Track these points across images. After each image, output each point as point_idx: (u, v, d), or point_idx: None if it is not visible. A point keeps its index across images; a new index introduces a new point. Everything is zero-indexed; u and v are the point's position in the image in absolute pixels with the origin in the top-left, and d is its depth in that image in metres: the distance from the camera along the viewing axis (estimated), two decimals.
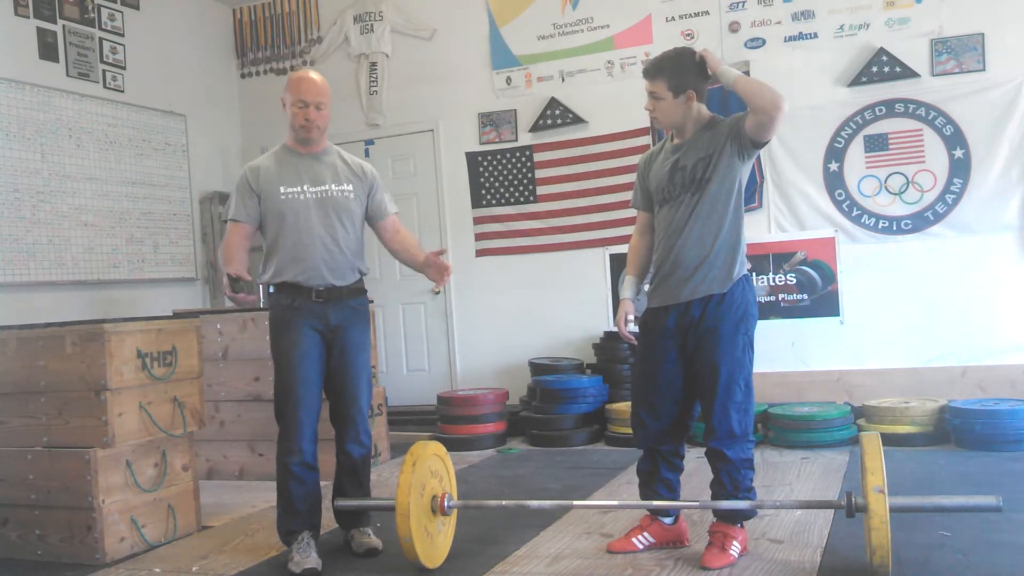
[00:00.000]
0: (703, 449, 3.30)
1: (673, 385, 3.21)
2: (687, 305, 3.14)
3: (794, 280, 5.93)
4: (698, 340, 3.13)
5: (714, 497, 3.19)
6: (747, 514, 3.22)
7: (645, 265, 3.37)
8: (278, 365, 3.43)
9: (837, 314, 5.85)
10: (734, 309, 3.11)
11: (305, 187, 3.42)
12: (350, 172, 3.53)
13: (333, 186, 3.45)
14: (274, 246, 3.42)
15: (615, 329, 6.21)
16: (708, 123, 3.21)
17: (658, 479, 3.30)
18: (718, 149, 3.12)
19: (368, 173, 3.58)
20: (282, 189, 3.40)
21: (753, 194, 5.98)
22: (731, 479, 3.12)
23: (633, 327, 3.30)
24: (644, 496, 3.37)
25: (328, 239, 3.40)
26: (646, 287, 3.37)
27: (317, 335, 3.39)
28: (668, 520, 3.33)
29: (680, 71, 3.17)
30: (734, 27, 6.07)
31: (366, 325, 3.54)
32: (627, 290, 3.34)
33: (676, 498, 3.33)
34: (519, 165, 6.65)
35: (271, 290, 3.47)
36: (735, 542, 3.15)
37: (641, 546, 3.31)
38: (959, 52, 5.60)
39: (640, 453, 3.37)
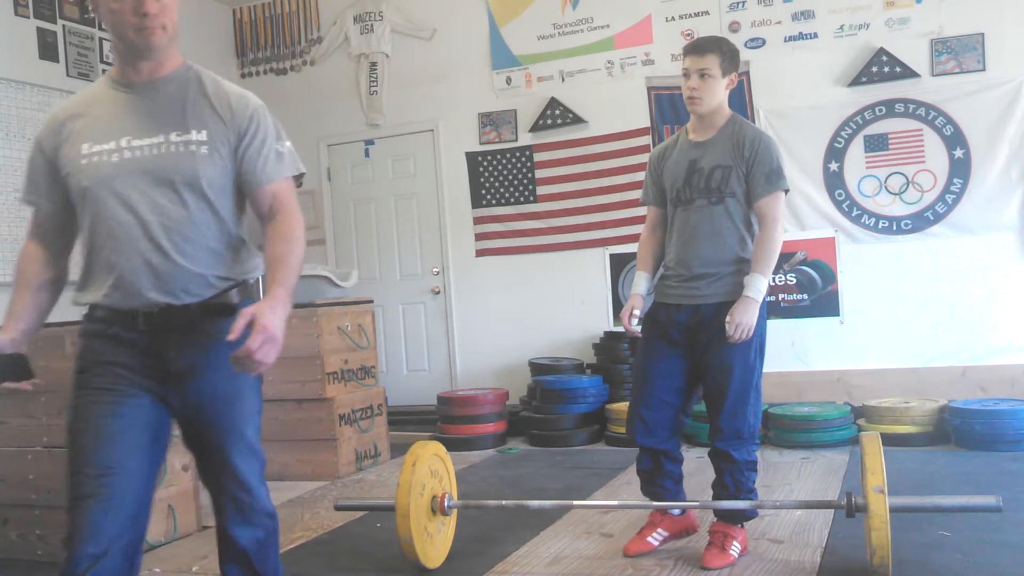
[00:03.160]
0: (704, 449, 3.30)
1: (675, 378, 3.18)
2: (699, 307, 3.12)
3: (794, 280, 5.93)
4: (710, 340, 3.09)
5: (715, 497, 3.18)
6: (748, 514, 3.22)
7: (657, 261, 3.32)
8: (69, 433, 2.08)
9: (837, 314, 5.85)
10: None
11: (123, 141, 2.05)
12: (209, 109, 2.11)
13: (174, 136, 2.06)
14: (84, 244, 2.13)
15: (616, 329, 6.27)
16: (730, 121, 3.16)
17: (662, 473, 3.26)
18: (736, 165, 3.09)
19: (240, 110, 2.13)
20: (85, 149, 2.06)
21: None
22: (735, 480, 3.11)
23: (637, 324, 3.24)
24: (647, 493, 3.33)
25: (156, 228, 2.03)
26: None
27: (143, 392, 2.07)
28: (677, 512, 3.33)
29: (731, 51, 3.14)
30: (734, 27, 6.07)
31: None
32: (638, 285, 3.28)
33: (682, 488, 3.31)
34: (519, 165, 6.65)
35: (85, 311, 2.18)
36: (735, 542, 3.15)
37: (656, 543, 3.30)
38: (959, 52, 5.60)
39: (636, 453, 3.32)
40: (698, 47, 3.11)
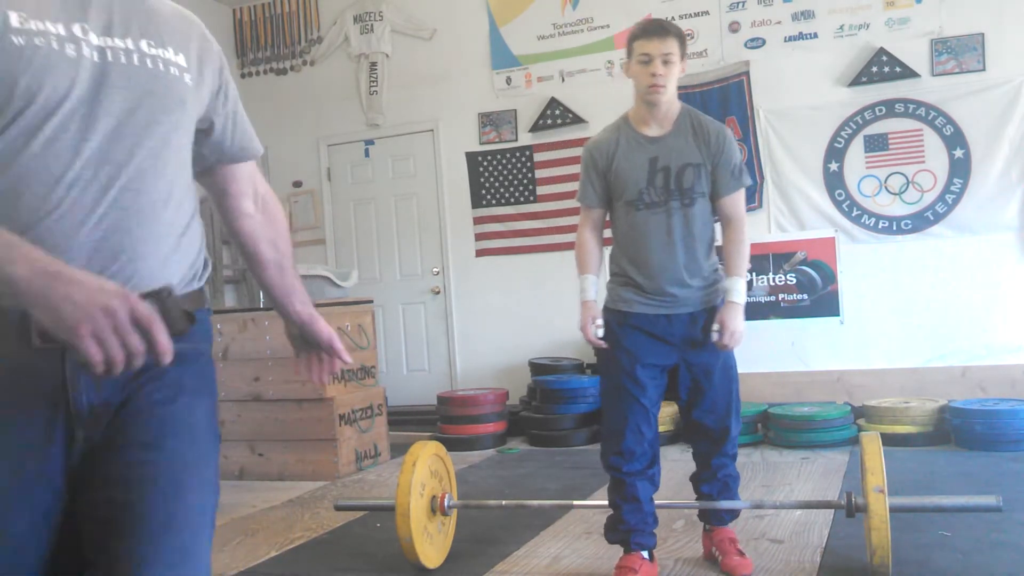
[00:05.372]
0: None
1: (661, 393, 2.99)
2: (692, 316, 2.91)
3: (794, 280, 5.93)
4: (709, 347, 2.91)
5: (714, 498, 3.15)
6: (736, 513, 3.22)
7: (601, 263, 3.07)
8: None
9: (837, 314, 5.85)
10: None
11: (82, 30, 1.24)
12: (185, 27, 1.41)
13: (146, 46, 1.31)
14: None
15: None
16: (684, 112, 2.90)
17: (648, 513, 2.97)
18: (704, 161, 2.85)
19: (205, 47, 1.46)
20: (17, 21, 1.19)
21: (753, 194, 5.98)
22: (732, 478, 3.11)
23: (601, 331, 2.91)
24: (614, 538, 3.01)
25: (110, 172, 1.23)
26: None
27: (39, 450, 1.21)
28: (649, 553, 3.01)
29: (685, 35, 2.87)
30: (734, 27, 6.07)
31: (203, 393, 1.36)
32: (589, 291, 2.94)
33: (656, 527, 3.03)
34: (519, 165, 6.65)
35: None
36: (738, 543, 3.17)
37: None
38: (959, 52, 5.60)
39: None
40: (662, 29, 2.77)
